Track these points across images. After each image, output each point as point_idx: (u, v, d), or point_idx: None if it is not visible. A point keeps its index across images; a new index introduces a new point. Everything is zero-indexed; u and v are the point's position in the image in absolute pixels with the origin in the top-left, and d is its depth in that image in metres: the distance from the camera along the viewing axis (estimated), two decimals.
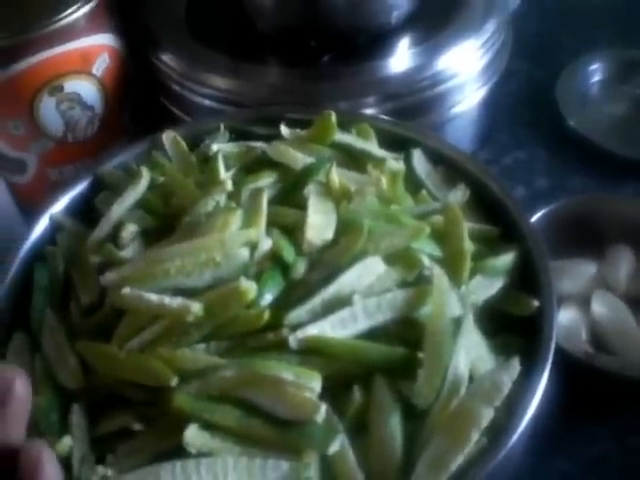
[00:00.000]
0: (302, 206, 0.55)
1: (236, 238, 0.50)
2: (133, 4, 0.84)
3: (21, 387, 0.38)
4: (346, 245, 0.51)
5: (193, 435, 0.44)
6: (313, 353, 0.46)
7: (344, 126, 0.64)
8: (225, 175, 0.60)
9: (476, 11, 0.81)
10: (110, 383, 0.49)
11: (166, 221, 0.58)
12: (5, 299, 0.56)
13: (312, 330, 0.47)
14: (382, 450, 0.45)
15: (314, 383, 0.44)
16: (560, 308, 0.69)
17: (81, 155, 0.78)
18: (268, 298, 0.48)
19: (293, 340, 0.46)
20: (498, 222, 0.58)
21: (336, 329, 0.47)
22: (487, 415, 0.43)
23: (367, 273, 0.50)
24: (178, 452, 0.44)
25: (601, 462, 0.63)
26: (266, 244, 0.51)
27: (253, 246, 0.51)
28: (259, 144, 0.64)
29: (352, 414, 0.46)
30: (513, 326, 0.52)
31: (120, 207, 0.58)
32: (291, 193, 0.58)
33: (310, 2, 0.76)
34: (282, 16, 0.79)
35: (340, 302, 0.48)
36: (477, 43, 0.78)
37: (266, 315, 0.47)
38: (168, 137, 0.66)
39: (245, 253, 0.50)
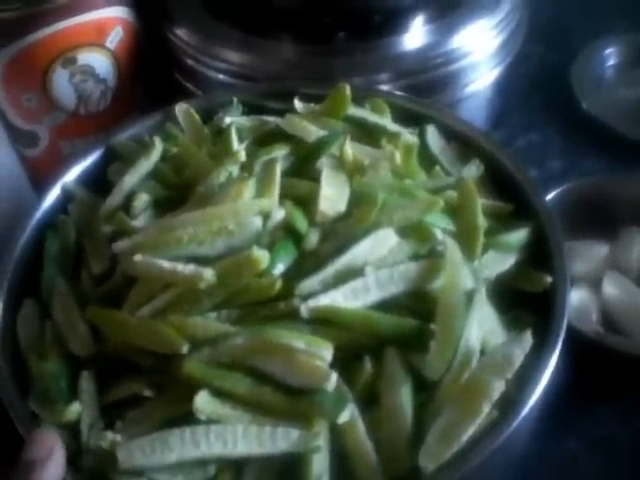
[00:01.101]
0: (315, 179, 0.54)
1: (249, 207, 0.50)
2: None
3: (60, 451, 0.43)
4: (359, 217, 0.51)
5: (203, 402, 0.44)
6: (324, 323, 0.46)
7: (358, 102, 0.64)
8: (238, 146, 0.59)
9: None
10: (120, 350, 0.49)
11: (178, 192, 0.58)
12: (16, 267, 0.56)
13: (324, 300, 0.46)
14: (392, 421, 0.45)
15: (325, 352, 0.44)
16: (571, 289, 0.69)
17: (93, 128, 0.78)
18: (280, 268, 0.48)
19: (304, 309, 0.46)
20: (511, 199, 0.58)
21: (348, 299, 0.47)
22: (498, 387, 0.43)
23: (380, 245, 0.50)
24: (187, 419, 0.44)
25: (609, 442, 0.63)
26: (279, 214, 0.51)
27: (266, 216, 0.50)
28: (272, 118, 0.64)
29: (363, 385, 0.46)
30: (525, 303, 0.52)
31: (132, 177, 0.58)
32: (304, 166, 0.57)
33: None
34: None
35: (352, 273, 0.48)
36: (491, 22, 0.78)
37: (278, 284, 0.47)
38: (181, 109, 0.65)
39: (258, 222, 0.49)
